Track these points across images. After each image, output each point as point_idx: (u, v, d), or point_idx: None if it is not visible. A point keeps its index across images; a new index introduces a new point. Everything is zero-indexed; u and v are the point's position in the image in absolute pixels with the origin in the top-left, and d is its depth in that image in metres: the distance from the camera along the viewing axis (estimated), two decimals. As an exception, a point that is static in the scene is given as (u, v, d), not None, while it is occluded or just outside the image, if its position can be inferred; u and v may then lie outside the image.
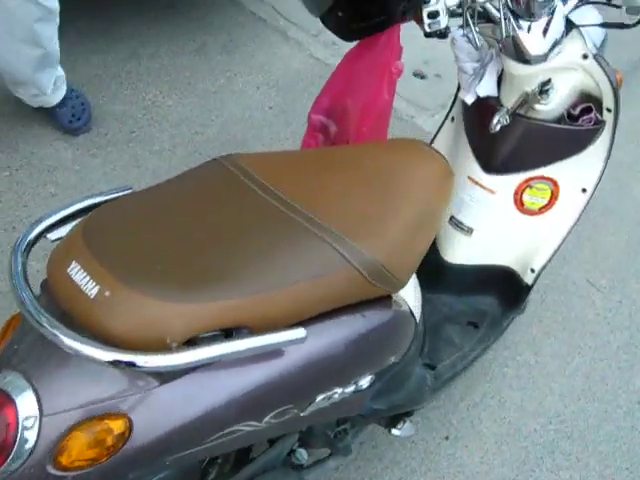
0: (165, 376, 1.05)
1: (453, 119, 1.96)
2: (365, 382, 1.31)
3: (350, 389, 1.27)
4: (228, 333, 1.07)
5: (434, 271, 2.00)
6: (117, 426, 1.02)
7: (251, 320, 1.08)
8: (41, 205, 2.28)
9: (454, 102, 1.91)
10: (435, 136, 2.04)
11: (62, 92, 2.47)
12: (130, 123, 2.65)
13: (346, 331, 1.22)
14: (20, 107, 2.53)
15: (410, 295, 1.47)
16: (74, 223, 1.19)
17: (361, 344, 1.25)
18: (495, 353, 2.31)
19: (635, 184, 3.12)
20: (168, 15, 3.19)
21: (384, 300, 1.32)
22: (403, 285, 1.33)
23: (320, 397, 1.22)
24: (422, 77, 3.28)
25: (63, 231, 1.19)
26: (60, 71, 2.41)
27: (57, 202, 2.27)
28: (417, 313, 1.58)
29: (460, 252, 1.96)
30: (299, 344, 1.11)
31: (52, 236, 1.19)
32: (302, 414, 1.22)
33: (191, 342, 1.03)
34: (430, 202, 1.43)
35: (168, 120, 2.71)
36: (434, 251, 2.00)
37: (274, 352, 1.12)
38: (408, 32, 1.73)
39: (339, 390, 1.24)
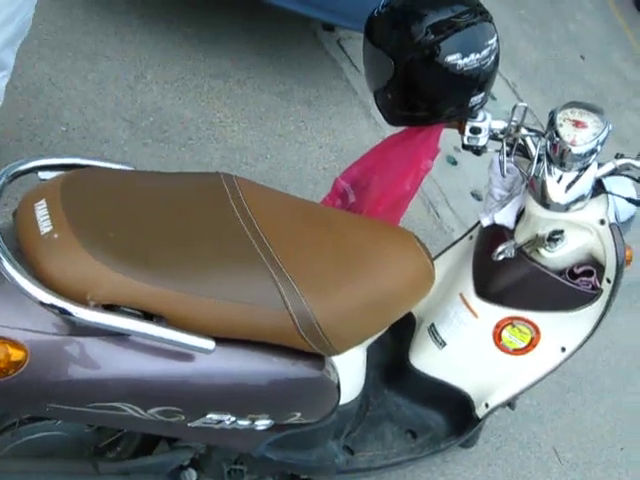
0: (78, 330, 1.11)
1: (471, 237, 2.00)
2: (262, 424, 1.33)
3: (244, 422, 1.29)
4: (148, 317, 1.12)
5: (397, 369, 2.02)
6: (15, 354, 1.08)
7: (172, 315, 1.13)
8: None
9: (478, 223, 1.95)
10: (450, 246, 2.08)
11: None
12: (192, 131, 2.77)
13: (259, 366, 1.25)
14: (97, 83, 2.70)
15: (347, 373, 1.49)
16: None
17: (269, 386, 1.27)
18: (430, 474, 2.28)
19: None
20: (271, 53, 3.34)
21: (315, 360, 1.35)
22: (336, 353, 1.36)
23: (211, 415, 1.25)
24: (479, 198, 3.34)
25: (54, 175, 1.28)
26: None
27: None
28: (350, 393, 1.60)
29: (426, 361, 1.98)
30: (206, 354, 1.15)
31: (42, 175, 1.27)
32: (190, 424, 1.25)
33: (109, 309, 1.09)
34: (396, 293, 1.46)
35: (227, 142, 2.82)
36: (404, 350, 2.02)
37: (182, 353, 1.16)
38: (487, 156, 1.81)
39: (232, 418, 1.27)
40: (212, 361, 1.18)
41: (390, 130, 1.85)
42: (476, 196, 3.36)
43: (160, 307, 1.12)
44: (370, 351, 1.67)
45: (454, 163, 3.42)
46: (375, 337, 1.55)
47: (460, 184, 3.37)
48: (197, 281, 1.16)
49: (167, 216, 1.25)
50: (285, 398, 1.34)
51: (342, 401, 1.49)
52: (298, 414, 1.37)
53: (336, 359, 1.41)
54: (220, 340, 1.17)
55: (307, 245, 1.37)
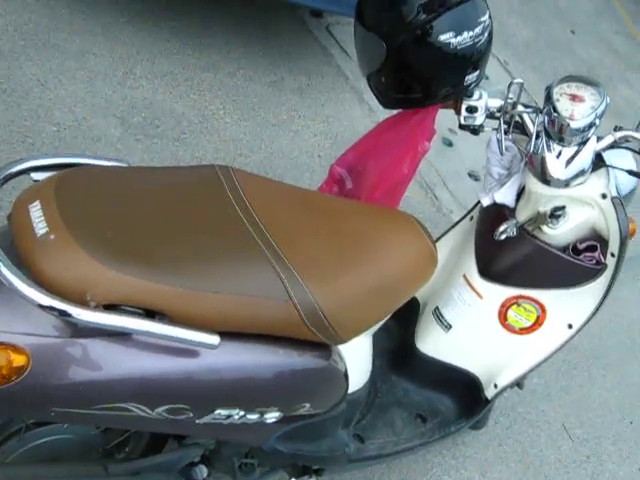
0: (79, 331, 1.09)
1: (472, 218, 1.98)
2: (271, 417, 1.31)
3: (253, 417, 1.28)
4: (150, 315, 1.10)
5: (403, 355, 2.01)
6: (17, 359, 1.06)
7: (175, 311, 1.11)
8: (72, 167, 2.38)
9: (478, 203, 1.93)
10: (451, 228, 2.06)
11: None
12: (184, 124, 2.75)
13: (265, 359, 1.24)
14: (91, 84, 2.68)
15: (354, 361, 1.48)
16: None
17: (276, 378, 1.26)
18: (442, 458, 2.27)
19: (647, 350, 3.07)
20: (261, 42, 3.31)
21: (321, 350, 1.34)
22: (342, 341, 1.34)
23: (220, 411, 1.23)
24: (476, 179, 3.32)
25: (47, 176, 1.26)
26: None
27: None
28: (357, 381, 1.59)
29: (432, 345, 1.96)
30: (211, 350, 1.14)
31: (35, 176, 1.25)
32: (198, 421, 1.23)
33: (110, 308, 1.07)
34: (399, 278, 1.45)
35: (220, 134, 2.80)
36: (409, 335, 2.00)
37: (186, 350, 1.15)
38: (482, 136, 1.79)
39: (241, 412, 1.25)
40: (218, 356, 1.17)
41: (384, 114, 1.82)
42: (473, 177, 3.35)
43: (162, 304, 1.10)
44: (376, 338, 1.65)
45: (450, 144, 3.40)
46: (380, 324, 1.54)
47: (457, 165, 3.35)
48: (198, 276, 1.14)
49: (164, 211, 1.23)
50: (293, 390, 1.32)
51: (350, 389, 1.47)
52: (307, 405, 1.36)
53: (342, 347, 1.39)
54: (225, 335, 1.15)
55: (307, 234, 1.35)
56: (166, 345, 1.13)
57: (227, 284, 1.16)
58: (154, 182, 1.30)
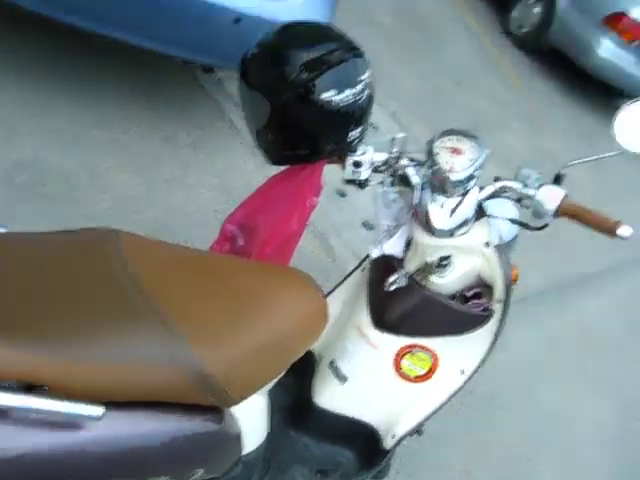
0: None
1: (364, 269, 2.00)
2: (163, 486, 1.28)
3: (145, 486, 1.24)
4: (29, 388, 1.06)
5: (301, 410, 1.99)
6: None
7: (56, 383, 1.07)
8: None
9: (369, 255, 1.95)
10: (344, 280, 2.08)
11: None
12: (74, 183, 2.69)
13: (155, 426, 1.20)
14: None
15: (248, 421, 1.45)
16: None
17: (166, 446, 1.22)
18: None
19: (542, 387, 3.17)
20: (155, 99, 3.30)
21: (213, 413, 1.31)
22: (234, 402, 1.32)
23: None
24: (370, 228, 3.38)
25: None
26: None
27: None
28: (253, 441, 1.56)
29: (330, 398, 1.95)
30: (95, 421, 1.10)
31: None
32: None
33: None
34: (289, 334, 1.44)
35: (113, 191, 2.75)
36: (306, 390, 1.99)
37: (70, 423, 1.10)
38: (375, 187, 1.82)
39: None
40: (103, 428, 1.12)
41: (276, 169, 1.84)
42: (367, 226, 3.41)
43: (42, 377, 1.06)
44: (272, 394, 1.63)
45: (342, 195, 3.46)
46: (275, 381, 1.52)
47: (350, 216, 3.41)
48: (78, 345, 1.10)
49: (45, 281, 1.19)
50: (185, 456, 1.28)
51: (245, 450, 1.45)
52: (200, 471, 1.32)
53: (236, 408, 1.37)
54: (111, 404, 1.11)
55: (197, 296, 1.33)
56: (48, 420, 1.08)
57: (108, 352, 1.13)
58: (35, 249, 1.25)
